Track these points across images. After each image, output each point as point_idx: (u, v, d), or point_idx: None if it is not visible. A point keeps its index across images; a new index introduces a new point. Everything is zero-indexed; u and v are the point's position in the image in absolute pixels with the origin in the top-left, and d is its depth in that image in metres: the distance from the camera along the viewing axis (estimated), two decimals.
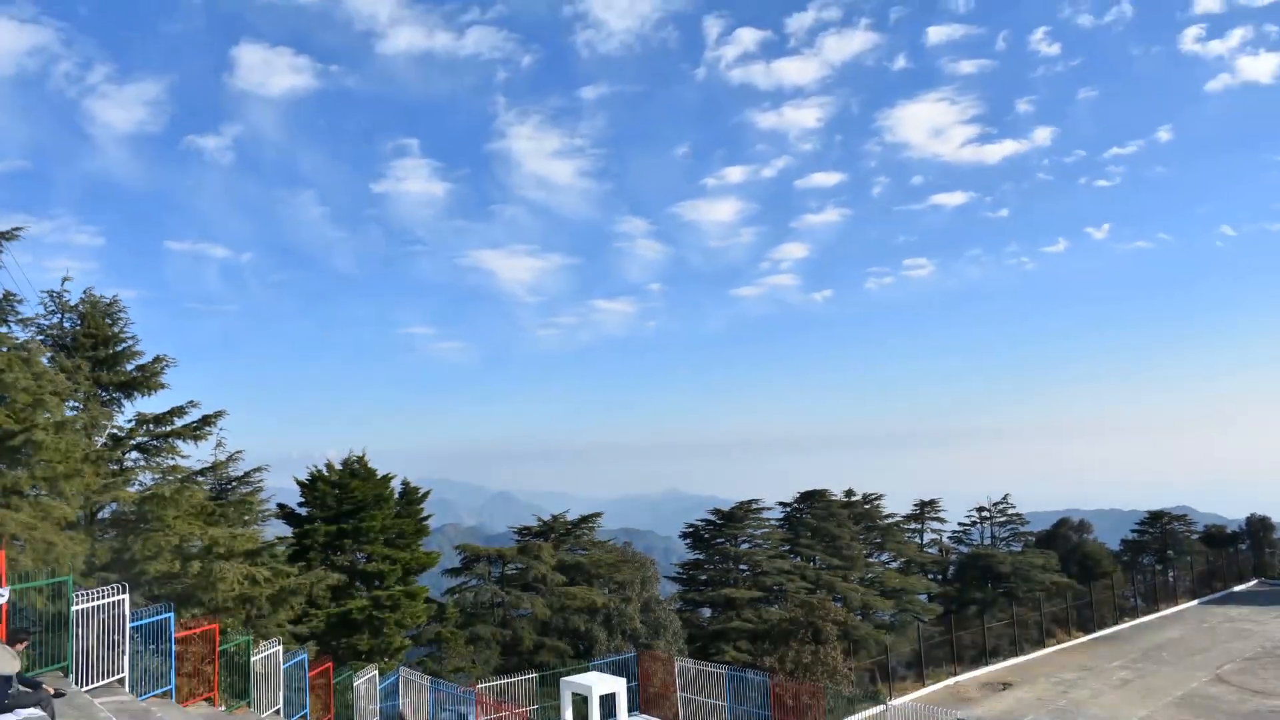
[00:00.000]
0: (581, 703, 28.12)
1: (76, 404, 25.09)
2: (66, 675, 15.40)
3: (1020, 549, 61.84)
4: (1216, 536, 66.56)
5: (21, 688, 11.99)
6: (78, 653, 15.78)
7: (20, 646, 12.68)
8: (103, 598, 16.43)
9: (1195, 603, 54.63)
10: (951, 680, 39.70)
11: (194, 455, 28.42)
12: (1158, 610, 52.33)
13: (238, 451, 30.06)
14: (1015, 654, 43.39)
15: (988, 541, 64.02)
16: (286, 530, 36.65)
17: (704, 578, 53.28)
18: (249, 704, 20.74)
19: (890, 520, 62.11)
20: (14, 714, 11.53)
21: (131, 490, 24.83)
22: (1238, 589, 58.42)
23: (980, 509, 65.20)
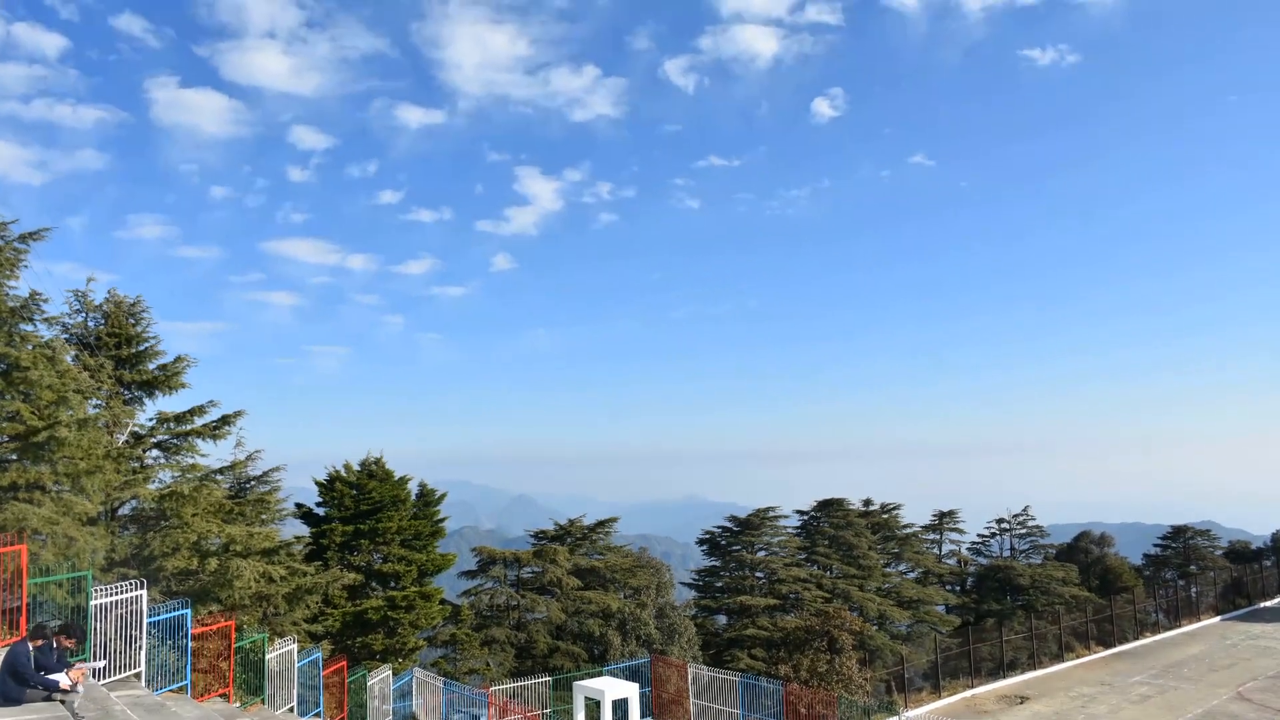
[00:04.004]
0: (594, 707, 28.14)
1: (99, 402, 25.38)
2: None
3: (1040, 561, 61.21)
4: (1241, 552, 65.65)
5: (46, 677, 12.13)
6: (96, 646, 15.99)
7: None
8: (121, 593, 16.66)
9: (1218, 619, 53.88)
10: (968, 692, 39.38)
11: (213, 454, 28.81)
12: (1179, 626, 51.65)
13: (256, 451, 30.37)
14: (1033, 667, 42.99)
15: (1007, 553, 63.41)
16: (304, 530, 36.95)
17: (720, 584, 53.23)
18: (263, 700, 20.91)
19: (908, 530, 61.64)
20: (26, 704, 11.66)
21: (151, 488, 25.13)
22: (1262, 606, 57.55)
23: (1000, 520, 64.58)
